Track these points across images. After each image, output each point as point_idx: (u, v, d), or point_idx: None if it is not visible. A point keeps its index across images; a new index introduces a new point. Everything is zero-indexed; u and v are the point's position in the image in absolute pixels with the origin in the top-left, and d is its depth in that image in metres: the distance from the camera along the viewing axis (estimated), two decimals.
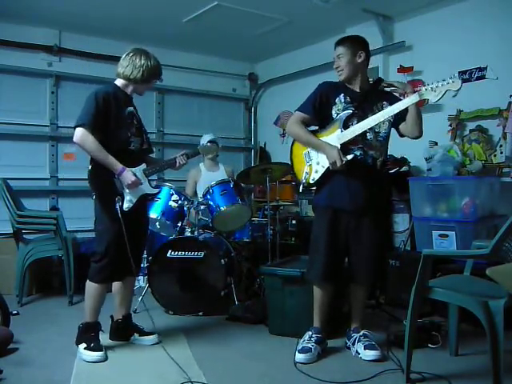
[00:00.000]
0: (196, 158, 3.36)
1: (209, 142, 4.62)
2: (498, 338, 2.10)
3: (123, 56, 2.93)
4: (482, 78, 4.04)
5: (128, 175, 2.78)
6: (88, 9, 4.55)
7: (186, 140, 5.77)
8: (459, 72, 4.16)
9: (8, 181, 4.11)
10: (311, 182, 2.84)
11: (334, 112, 2.82)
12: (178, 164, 3.04)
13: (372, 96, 2.83)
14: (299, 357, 2.72)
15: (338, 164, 2.67)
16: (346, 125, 2.74)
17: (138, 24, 4.94)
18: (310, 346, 2.77)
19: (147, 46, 5.35)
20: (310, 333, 2.86)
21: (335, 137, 2.75)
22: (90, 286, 2.86)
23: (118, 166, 2.75)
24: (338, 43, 2.85)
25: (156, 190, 3.06)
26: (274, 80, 6.17)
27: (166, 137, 5.84)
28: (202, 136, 4.78)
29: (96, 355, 2.73)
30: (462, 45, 4.15)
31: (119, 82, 2.92)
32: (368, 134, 2.76)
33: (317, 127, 2.90)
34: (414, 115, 2.70)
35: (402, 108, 2.62)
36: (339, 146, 2.71)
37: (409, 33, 4.60)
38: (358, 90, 2.84)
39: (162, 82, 5.75)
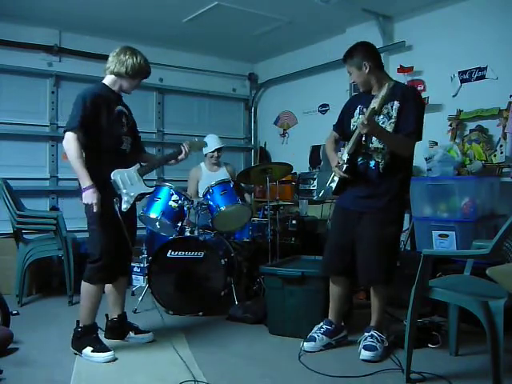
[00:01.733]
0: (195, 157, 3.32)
1: (216, 149, 4.56)
2: (498, 338, 2.10)
3: (111, 54, 2.93)
4: (482, 78, 4.04)
5: (90, 195, 2.70)
6: (88, 9, 4.55)
7: (185, 140, 5.75)
8: (459, 72, 4.18)
9: (8, 181, 4.11)
10: (333, 189, 2.95)
11: (351, 125, 2.94)
12: (183, 152, 3.08)
13: (387, 98, 2.81)
14: (304, 344, 2.87)
15: (333, 168, 2.90)
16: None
17: (138, 24, 4.94)
18: (315, 335, 2.91)
19: (147, 46, 5.39)
20: (321, 323, 2.97)
21: (347, 148, 2.85)
22: (88, 288, 2.84)
23: (88, 181, 2.70)
24: (344, 60, 2.94)
25: (151, 189, 3.03)
26: (273, 80, 6.17)
27: (166, 137, 5.84)
28: (205, 136, 4.72)
29: (107, 355, 2.73)
30: (462, 45, 4.15)
31: (107, 80, 2.91)
32: (369, 138, 2.80)
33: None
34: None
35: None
36: (347, 156, 2.81)
37: (409, 33, 4.60)
38: (374, 94, 2.87)
39: (162, 82, 5.85)
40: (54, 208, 4.98)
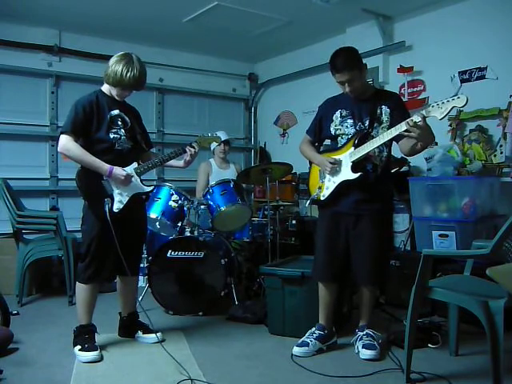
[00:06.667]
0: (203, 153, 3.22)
1: (224, 142, 4.61)
2: (498, 338, 2.09)
3: (112, 58, 2.90)
4: (482, 78, 4.03)
5: (118, 172, 2.79)
6: (88, 8, 4.55)
7: (186, 140, 5.76)
8: (459, 72, 4.17)
9: (8, 181, 4.11)
10: (322, 198, 2.91)
11: (332, 129, 2.92)
12: (188, 153, 2.97)
13: (371, 100, 2.85)
14: (295, 350, 2.83)
15: (326, 166, 2.81)
16: (359, 142, 2.77)
17: (138, 24, 4.94)
18: (308, 340, 2.87)
19: (147, 46, 5.43)
20: (314, 329, 2.94)
21: (348, 154, 2.81)
22: (78, 287, 2.92)
23: (105, 166, 2.78)
24: (346, 68, 2.71)
25: (149, 189, 2.97)
26: (273, 80, 6.17)
27: (165, 137, 5.84)
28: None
29: (91, 355, 2.74)
30: (462, 45, 4.15)
31: (104, 86, 2.94)
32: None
33: (337, 145, 2.92)
34: (416, 149, 2.71)
35: (404, 128, 2.55)
36: (351, 163, 2.77)
37: (409, 33, 4.60)
38: (358, 98, 2.85)
39: (162, 82, 5.85)
40: (54, 208, 4.98)
